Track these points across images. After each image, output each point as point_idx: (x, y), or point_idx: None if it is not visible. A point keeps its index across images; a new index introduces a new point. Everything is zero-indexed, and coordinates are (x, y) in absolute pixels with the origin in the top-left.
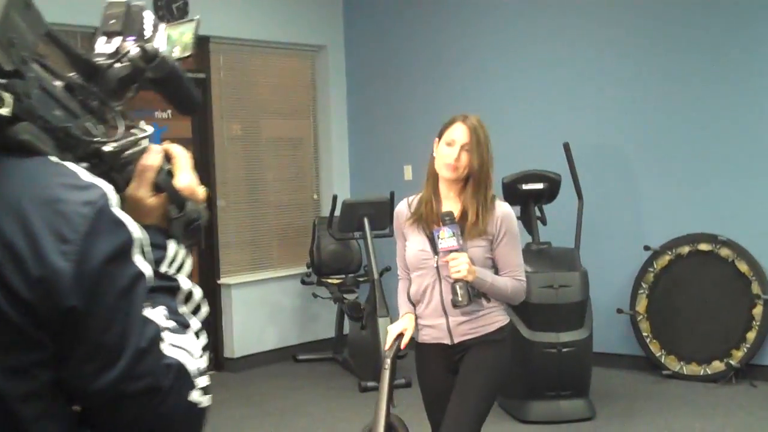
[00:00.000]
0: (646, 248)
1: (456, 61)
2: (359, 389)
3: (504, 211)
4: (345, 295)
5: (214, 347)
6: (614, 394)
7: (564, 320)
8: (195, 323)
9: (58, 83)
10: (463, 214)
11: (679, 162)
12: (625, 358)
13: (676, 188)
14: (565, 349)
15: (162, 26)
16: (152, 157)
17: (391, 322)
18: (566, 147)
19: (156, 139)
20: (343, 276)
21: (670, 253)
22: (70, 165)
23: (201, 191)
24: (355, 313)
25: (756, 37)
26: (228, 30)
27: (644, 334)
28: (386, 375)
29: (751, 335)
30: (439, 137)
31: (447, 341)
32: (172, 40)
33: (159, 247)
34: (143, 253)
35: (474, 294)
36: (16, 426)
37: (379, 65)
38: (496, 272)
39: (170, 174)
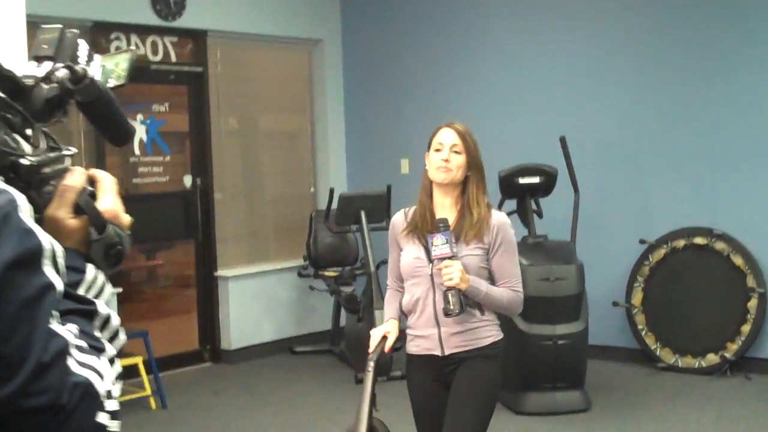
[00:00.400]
0: (642, 242)
1: (453, 55)
2: (355, 381)
3: (500, 219)
4: (342, 288)
5: (212, 339)
6: (610, 386)
7: (560, 313)
8: (111, 350)
9: None
10: (459, 221)
11: (675, 156)
12: (621, 351)
13: (672, 182)
14: (561, 342)
15: (97, 57)
16: (74, 178)
17: None
18: (562, 141)
19: (153, 130)
20: (340, 269)
21: (665, 246)
22: None
23: (125, 217)
24: (351, 305)
25: (752, 34)
26: (225, 23)
27: (639, 326)
28: (369, 377)
29: (745, 328)
30: (429, 148)
31: (438, 352)
32: (107, 71)
33: (77, 270)
34: (56, 265)
35: (467, 303)
36: None
37: (376, 59)
38: (492, 283)
39: (93, 196)
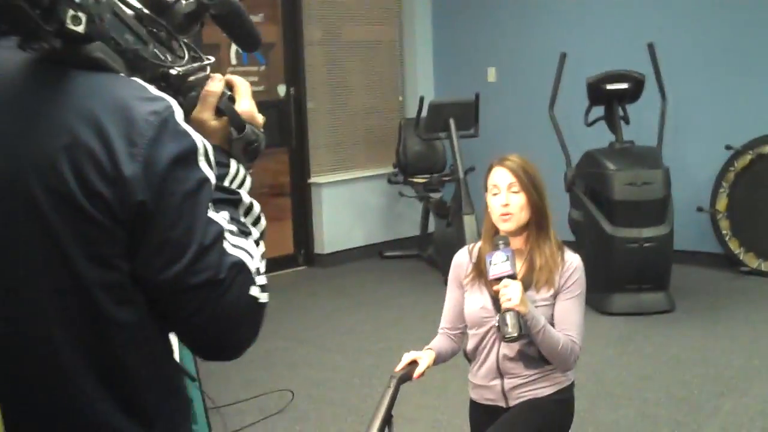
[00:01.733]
0: (728, 147)
1: None
2: (445, 284)
3: (575, 262)
4: (430, 194)
5: (306, 243)
6: (694, 289)
7: (646, 216)
8: (255, 233)
9: (129, 12)
10: (529, 268)
11: (759, 63)
12: (705, 255)
13: (758, 89)
14: (646, 244)
15: None
16: (215, 84)
17: (476, 220)
18: (650, 47)
19: None
20: (429, 175)
21: (751, 152)
22: (140, 81)
23: (260, 117)
24: (441, 210)
25: None
26: None
27: (723, 232)
28: (388, 393)
29: None
30: (486, 189)
31: (502, 404)
32: None
33: (222, 165)
34: (209, 162)
35: (525, 331)
36: (101, 312)
37: None
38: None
39: (231, 100)
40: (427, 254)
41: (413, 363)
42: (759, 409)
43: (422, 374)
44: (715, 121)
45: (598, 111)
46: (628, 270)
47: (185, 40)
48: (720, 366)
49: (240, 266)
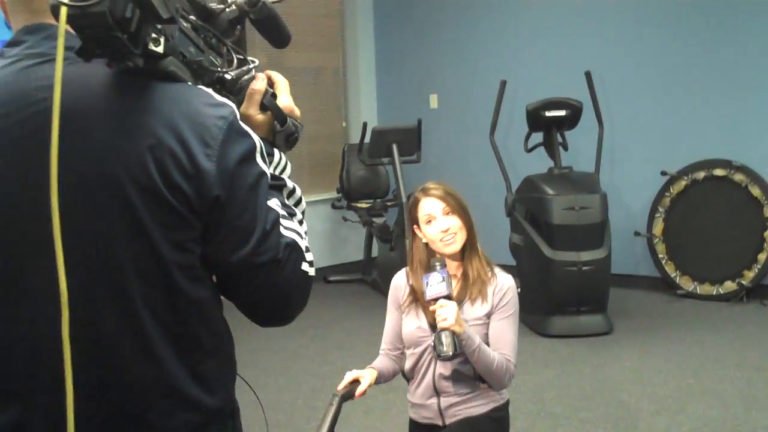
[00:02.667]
0: (663, 173)
1: None
2: None
3: (507, 283)
4: (374, 219)
5: None
6: (631, 311)
7: (584, 240)
8: (298, 214)
9: (186, 24)
10: (463, 284)
11: (695, 90)
12: (642, 279)
13: (692, 115)
14: (585, 268)
15: None
16: (259, 83)
17: None
18: (588, 75)
19: None
20: (372, 200)
21: (686, 178)
22: (205, 89)
23: (297, 111)
24: (384, 235)
25: None
26: None
27: (660, 255)
28: (331, 411)
29: (762, 256)
30: (415, 224)
31: (439, 422)
32: None
33: (268, 154)
34: (263, 157)
35: (461, 350)
36: (177, 289)
37: None
38: None
39: (273, 96)
40: (371, 278)
41: (355, 381)
42: (693, 427)
43: (364, 392)
44: (651, 147)
45: (538, 137)
46: (567, 293)
47: (231, 44)
48: (656, 385)
49: (293, 246)
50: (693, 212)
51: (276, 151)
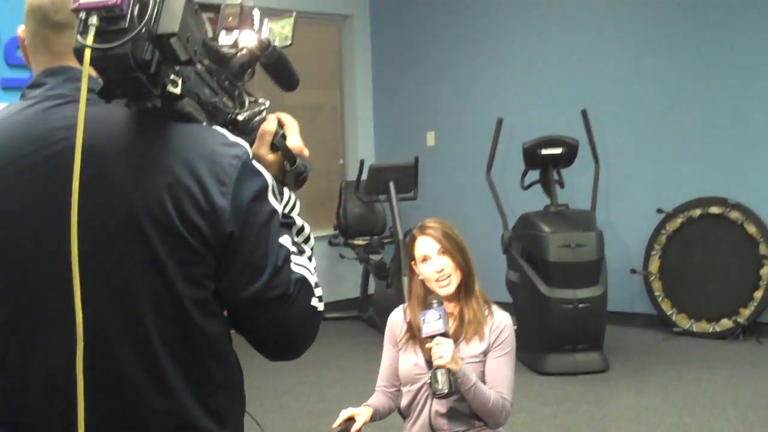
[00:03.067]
0: (659, 211)
1: (478, 30)
2: None
3: (504, 320)
4: (371, 256)
5: None
6: (628, 349)
7: (580, 277)
8: (308, 251)
9: (201, 67)
10: (459, 323)
11: (691, 129)
12: (638, 317)
13: (688, 154)
14: (581, 305)
15: (266, 20)
16: (270, 124)
17: None
18: (584, 113)
19: None
20: (369, 237)
21: (682, 215)
22: (219, 128)
23: (306, 151)
24: (381, 272)
25: None
26: None
27: (656, 293)
28: None
29: (758, 294)
30: (412, 258)
31: None
32: (274, 33)
33: (279, 193)
34: (275, 195)
35: (456, 388)
36: (192, 323)
37: (403, 34)
38: None
39: (283, 137)
40: (367, 315)
41: (350, 419)
42: None
43: (359, 431)
44: (647, 185)
45: (534, 175)
46: (563, 330)
47: (242, 87)
48: (652, 424)
49: (303, 282)
50: (689, 250)
51: (286, 190)
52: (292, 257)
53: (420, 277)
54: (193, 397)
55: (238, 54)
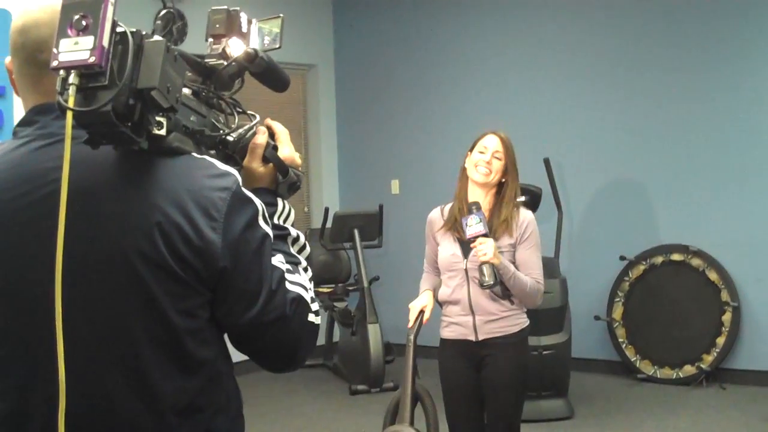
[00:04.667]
0: (622, 258)
1: (441, 80)
2: (350, 392)
3: (529, 216)
4: (335, 304)
5: None
6: (592, 395)
7: (545, 324)
8: (303, 261)
9: (187, 91)
10: (491, 219)
11: (652, 177)
12: (602, 363)
13: (650, 202)
14: (545, 352)
15: (254, 21)
16: (261, 137)
17: (381, 329)
18: (546, 162)
19: None
20: (334, 285)
21: (644, 263)
22: (207, 158)
23: (298, 159)
24: (346, 320)
25: (728, 58)
26: None
27: (620, 339)
28: (410, 350)
29: (720, 340)
30: (471, 150)
31: (472, 338)
32: (263, 32)
33: (271, 205)
34: (265, 219)
35: (500, 280)
36: (185, 353)
37: (367, 83)
38: None
39: (275, 148)
40: (332, 363)
41: (421, 312)
42: None
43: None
44: (609, 232)
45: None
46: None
47: (231, 99)
48: None
49: (299, 300)
50: (652, 296)
51: (279, 200)
52: (287, 276)
53: (465, 165)
54: (194, 424)
55: (225, 64)
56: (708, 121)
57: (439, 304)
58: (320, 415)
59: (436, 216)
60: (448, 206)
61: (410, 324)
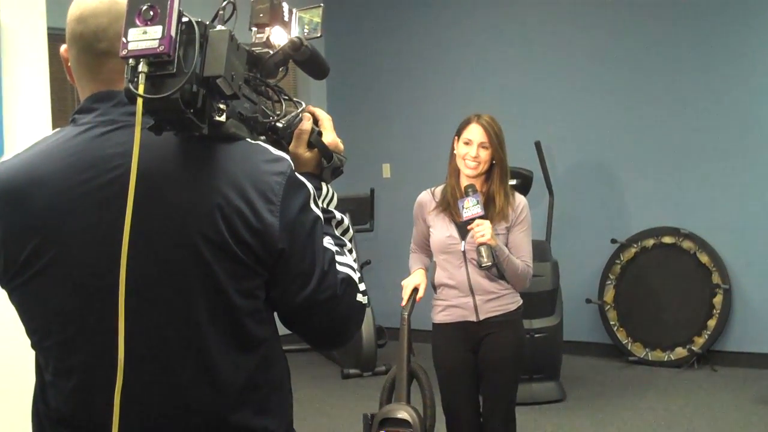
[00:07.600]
0: (613, 241)
1: (431, 64)
2: (342, 376)
3: (524, 201)
4: None
5: None
6: (584, 378)
7: (536, 307)
8: (348, 243)
9: (241, 82)
10: (486, 203)
11: (644, 160)
12: (594, 346)
13: (641, 185)
14: (537, 335)
15: (295, 11)
16: (306, 124)
17: (372, 313)
18: (537, 145)
19: None
20: None
21: (635, 245)
22: (261, 144)
23: (341, 144)
24: None
25: (719, 46)
26: None
27: (611, 322)
28: (405, 328)
29: (711, 323)
30: (458, 136)
31: (472, 318)
32: (303, 21)
33: (317, 189)
34: (316, 202)
35: (496, 259)
36: (245, 332)
37: (358, 68)
38: None
39: (319, 134)
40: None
41: (415, 290)
42: None
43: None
44: (601, 215)
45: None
46: None
47: (277, 86)
48: None
49: (348, 281)
50: (643, 279)
51: (324, 185)
52: (337, 257)
53: (454, 152)
54: (250, 401)
55: (271, 53)
56: (700, 103)
57: (434, 287)
58: (313, 400)
59: (427, 198)
60: (439, 188)
61: (404, 302)
